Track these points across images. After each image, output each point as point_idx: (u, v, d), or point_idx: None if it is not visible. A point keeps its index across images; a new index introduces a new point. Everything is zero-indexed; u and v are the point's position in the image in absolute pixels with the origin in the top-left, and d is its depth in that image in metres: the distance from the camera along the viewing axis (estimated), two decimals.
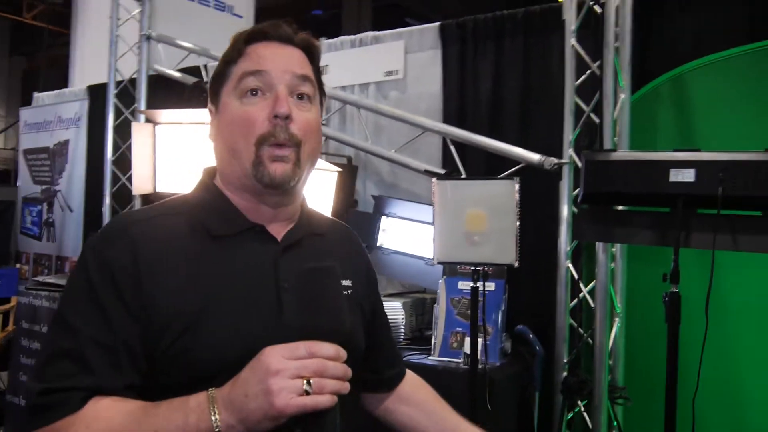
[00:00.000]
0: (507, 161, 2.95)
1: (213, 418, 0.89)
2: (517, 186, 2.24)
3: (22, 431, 0.96)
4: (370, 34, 3.67)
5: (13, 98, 17.32)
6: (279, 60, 1.08)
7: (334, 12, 13.52)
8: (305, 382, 0.86)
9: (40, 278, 4.38)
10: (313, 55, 1.14)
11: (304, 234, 1.15)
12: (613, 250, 2.70)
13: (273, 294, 1.06)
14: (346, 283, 1.17)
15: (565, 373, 2.74)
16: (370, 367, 1.30)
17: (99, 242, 1.04)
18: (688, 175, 2.00)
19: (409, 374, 1.43)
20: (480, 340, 2.33)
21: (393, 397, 1.37)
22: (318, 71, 1.15)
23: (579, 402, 2.73)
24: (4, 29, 17.02)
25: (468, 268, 2.67)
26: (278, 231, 1.12)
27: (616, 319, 2.71)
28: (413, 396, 1.38)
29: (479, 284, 2.30)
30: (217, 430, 0.88)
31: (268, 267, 1.08)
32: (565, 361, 2.76)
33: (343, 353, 0.90)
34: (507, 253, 2.25)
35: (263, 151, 1.04)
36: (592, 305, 2.69)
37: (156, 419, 0.92)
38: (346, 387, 0.90)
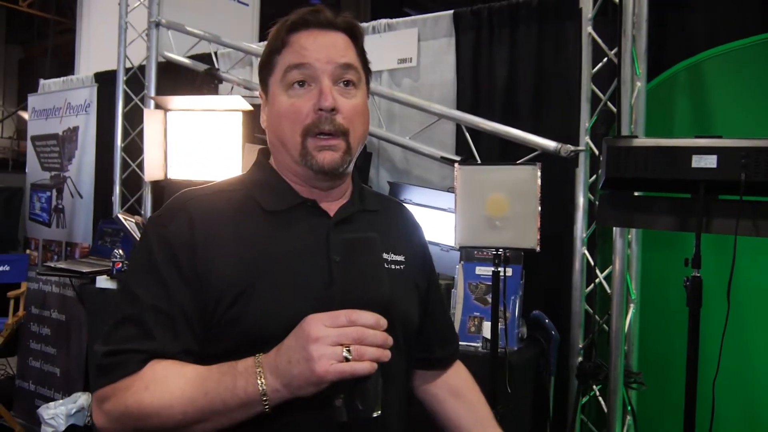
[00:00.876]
0: (521, 148, 2.96)
1: (259, 382, 0.93)
2: (539, 171, 2.26)
3: (92, 390, 1.08)
4: (383, 21, 3.67)
5: (10, 87, 17.24)
6: (322, 50, 1.10)
7: (332, 1, 13.49)
8: (345, 349, 0.89)
9: (51, 264, 4.39)
10: (356, 37, 1.16)
11: (355, 210, 1.19)
12: (629, 236, 2.73)
13: (324, 267, 1.10)
14: (399, 258, 1.22)
15: (580, 358, 2.78)
16: (422, 343, 1.32)
17: (160, 217, 1.11)
18: (710, 161, 2.02)
19: (463, 369, 1.45)
20: (499, 325, 2.36)
21: (445, 387, 1.38)
22: (363, 52, 1.18)
23: (594, 386, 2.76)
24: None
25: (485, 253, 2.70)
26: (330, 207, 1.17)
27: (632, 305, 2.75)
28: (466, 394, 1.39)
29: (500, 269, 2.32)
30: (262, 393, 0.93)
31: (320, 240, 1.12)
32: (580, 346, 2.79)
33: (383, 321, 0.93)
34: (528, 238, 2.28)
35: (308, 142, 1.09)
36: (608, 291, 2.72)
37: (207, 382, 0.97)
38: (386, 354, 0.92)
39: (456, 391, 1.38)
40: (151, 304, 1.03)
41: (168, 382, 0.99)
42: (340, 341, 0.89)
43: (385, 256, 1.19)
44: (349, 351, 0.89)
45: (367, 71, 1.19)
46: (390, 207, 1.32)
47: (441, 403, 1.37)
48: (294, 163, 1.13)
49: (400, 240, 1.26)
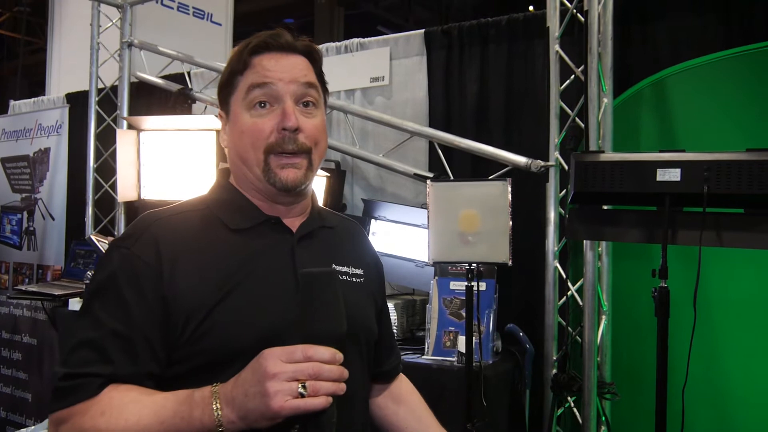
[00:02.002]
0: (492, 164, 3.02)
1: (216, 413, 0.94)
2: (509, 187, 2.30)
3: (49, 412, 1.03)
4: (356, 40, 3.72)
5: None
6: (284, 70, 1.13)
7: (306, 20, 13.55)
8: (300, 385, 0.90)
9: (22, 287, 4.33)
10: (315, 60, 1.20)
11: (316, 226, 1.22)
12: (599, 249, 2.78)
13: (291, 282, 1.12)
14: (358, 271, 1.27)
15: (554, 370, 2.81)
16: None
17: (124, 239, 1.11)
18: (674, 175, 2.07)
19: (404, 378, 1.47)
20: (474, 339, 2.38)
21: (386, 394, 1.41)
22: (321, 73, 1.22)
23: (569, 398, 2.80)
24: None
25: (459, 268, 2.73)
26: (292, 224, 1.19)
27: (603, 317, 2.79)
28: (407, 398, 1.42)
29: (473, 283, 2.35)
30: (218, 424, 0.94)
31: (286, 256, 1.15)
32: (554, 358, 2.83)
33: (339, 356, 0.94)
34: (500, 252, 2.31)
35: (271, 160, 1.11)
36: (580, 303, 2.76)
37: (164, 411, 0.97)
38: (341, 388, 0.93)
39: (397, 396, 1.41)
40: (111, 328, 1.02)
41: (124, 409, 0.99)
42: (296, 377, 0.90)
43: (345, 269, 1.23)
44: (304, 387, 0.90)
45: (325, 92, 1.23)
46: (345, 223, 1.35)
47: (382, 410, 1.39)
48: (256, 180, 1.14)
49: (357, 255, 1.30)
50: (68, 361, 1.03)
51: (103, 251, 3.70)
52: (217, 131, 3.53)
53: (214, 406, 0.94)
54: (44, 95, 5.66)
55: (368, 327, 1.24)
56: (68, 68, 5.60)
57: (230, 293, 1.07)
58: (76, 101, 4.85)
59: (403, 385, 1.45)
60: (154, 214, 1.14)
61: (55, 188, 4.87)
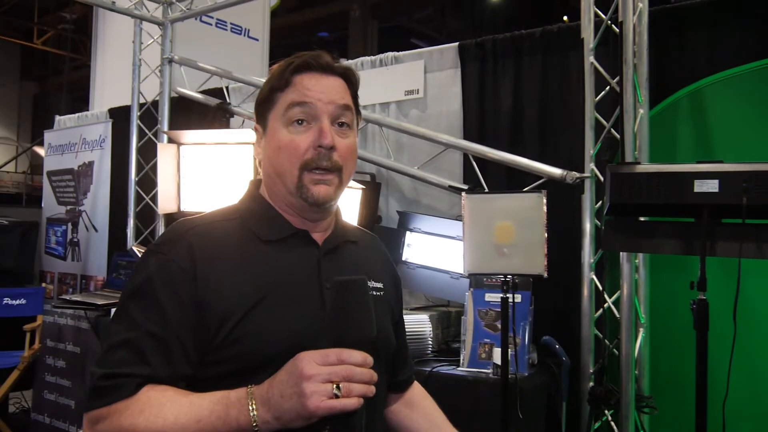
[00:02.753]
0: (527, 176, 3.02)
1: (251, 413, 0.98)
2: (544, 199, 2.31)
3: (85, 410, 1.07)
4: (390, 54, 3.76)
5: (24, 123, 17.55)
6: (323, 91, 1.18)
7: (340, 34, 13.73)
8: (335, 386, 0.95)
9: (66, 297, 4.45)
10: (352, 83, 1.25)
11: (340, 241, 1.27)
12: (636, 261, 2.76)
13: (317, 292, 1.18)
14: (378, 285, 1.32)
15: (591, 383, 2.79)
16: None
17: (160, 245, 1.15)
18: (712, 186, 2.06)
19: (417, 384, 1.53)
20: (509, 351, 2.38)
21: (401, 402, 1.46)
22: (356, 96, 1.27)
23: (606, 411, 2.77)
24: (14, 55, 17.32)
25: (494, 280, 2.74)
26: (318, 237, 1.24)
27: (641, 329, 2.76)
28: (419, 403, 1.48)
29: (509, 295, 2.35)
30: (254, 424, 0.98)
31: (312, 268, 1.20)
32: (591, 371, 2.80)
33: (369, 360, 0.99)
34: (536, 264, 2.31)
35: (305, 176, 1.16)
36: (617, 316, 2.74)
37: (200, 410, 1.01)
38: (371, 390, 0.98)
39: (410, 402, 1.46)
40: (148, 330, 1.06)
41: (162, 408, 1.02)
42: (330, 378, 0.95)
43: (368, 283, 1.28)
44: (338, 388, 0.95)
45: (358, 114, 1.27)
46: (366, 238, 1.39)
47: (396, 415, 1.44)
48: (288, 194, 1.18)
49: (378, 269, 1.36)
50: (106, 362, 1.06)
51: None
52: (254, 144, 3.60)
53: (250, 406, 0.98)
54: (87, 110, 5.84)
55: (387, 339, 1.29)
56: (111, 84, 5.76)
57: (261, 302, 1.11)
58: (119, 116, 4.98)
59: (416, 391, 1.50)
60: (190, 222, 1.18)
61: (98, 200, 5.01)
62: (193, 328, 1.08)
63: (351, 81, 1.24)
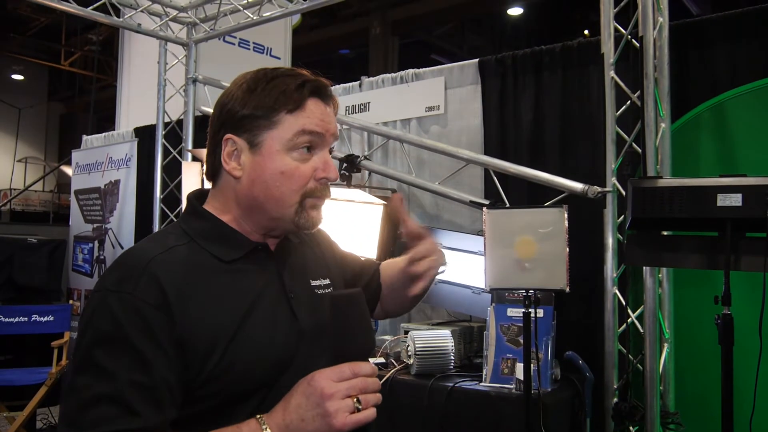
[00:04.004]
0: (548, 190, 3.02)
1: None
2: (565, 213, 2.31)
3: None
4: (411, 71, 3.79)
5: (51, 142, 17.89)
6: (331, 122, 1.17)
7: (361, 51, 13.83)
8: (355, 399, 0.97)
9: None
10: (335, 112, 1.23)
11: (289, 245, 1.25)
12: (660, 275, 2.74)
13: (286, 306, 1.16)
14: (326, 281, 1.30)
15: (615, 399, 2.76)
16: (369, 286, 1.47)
17: (121, 283, 1.03)
18: (735, 200, 2.04)
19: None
20: (532, 366, 2.38)
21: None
22: None
23: (630, 428, 2.74)
24: (42, 76, 17.70)
25: (516, 294, 2.74)
26: (272, 246, 1.22)
27: (666, 345, 2.74)
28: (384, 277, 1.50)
29: (531, 310, 2.35)
30: None
31: (277, 282, 1.17)
32: (615, 386, 2.78)
33: (375, 369, 1.01)
34: (558, 279, 2.32)
35: (306, 202, 1.14)
36: (641, 331, 2.72)
37: None
38: (380, 398, 1.01)
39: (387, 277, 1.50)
40: (130, 380, 0.96)
41: None
42: (349, 393, 0.96)
43: (317, 282, 1.27)
44: (359, 401, 0.96)
45: None
46: (306, 234, 1.33)
47: (384, 300, 1.51)
48: (279, 219, 1.14)
49: (322, 263, 1.34)
50: (83, 421, 0.94)
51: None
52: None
53: None
54: (112, 129, 5.95)
55: None
56: (136, 104, 5.88)
57: (239, 329, 1.06)
58: (144, 135, 5.08)
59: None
60: (143, 253, 1.08)
61: (124, 218, 5.10)
62: (175, 369, 1.00)
63: (336, 110, 1.22)
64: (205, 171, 1.22)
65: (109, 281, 1.04)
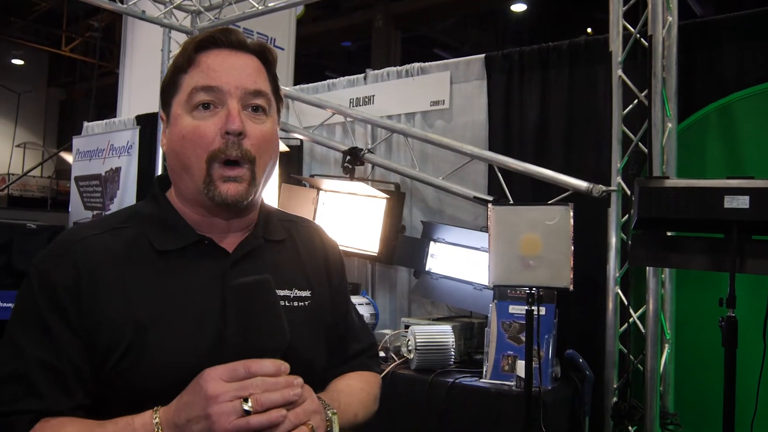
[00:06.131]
0: (552, 188, 3.01)
1: None
2: (571, 212, 2.30)
3: None
4: (417, 65, 3.78)
5: (50, 128, 17.83)
6: (231, 73, 1.03)
7: (363, 43, 13.79)
8: (243, 401, 0.86)
9: None
10: (268, 62, 1.10)
11: (258, 244, 1.11)
12: (662, 276, 2.74)
13: (218, 313, 1.02)
14: (304, 293, 1.14)
15: (615, 399, 2.77)
16: (339, 348, 1.24)
17: (43, 260, 1.01)
18: (742, 202, 2.04)
19: (369, 373, 1.30)
20: (533, 363, 2.37)
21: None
22: (275, 78, 1.11)
23: (630, 428, 2.74)
24: (42, 62, 17.62)
25: (518, 292, 2.73)
26: (232, 242, 1.09)
27: (666, 345, 2.74)
28: (350, 376, 1.25)
29: (534, 307, 2.35)
30: None
31: (215, 282, 1.04)
32: (615, 386, 2.78)
33: (285, 366, 0.90)
34: (562, 277, 2.31)
35: (214, 170, 1.00)
36: (643, 331, 2.72)
37: None
38: (296, 393, 0.89)
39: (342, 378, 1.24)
40: (38, 358, 0.94)
41: None
42: (239, 395, 0.86)
43: (288, 293, 1.11)
44: (247, 401, 0.86)
45: (278, 99, 1.12)
46: (299, 233, 1.21)
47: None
48: (196, 191, 1.03)
49: (306, 271, 1.18)
50: None
51: None
52: (281, 152, 3.63)
53: (156, 431, 0.89)
54: (112, 116, 5.93)
55: (308, 359, 1.08)
56: (138, 91, 5.85)
57: (151, 328, 0.98)
58: (146, 123, 5.06)
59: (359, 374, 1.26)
60: (79, 232, 1.04)
61: (124, 206, 5.05)
62: (86, 353, 0.96)
63: (268, 60, 1.09)
64: None
65: (38, 258, 1.02)
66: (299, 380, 0.91)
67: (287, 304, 1.10)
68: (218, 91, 1.01)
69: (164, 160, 1.15)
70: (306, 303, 1.13)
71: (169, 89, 1.06)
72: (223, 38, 1.05)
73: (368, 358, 1.31)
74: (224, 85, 1.01)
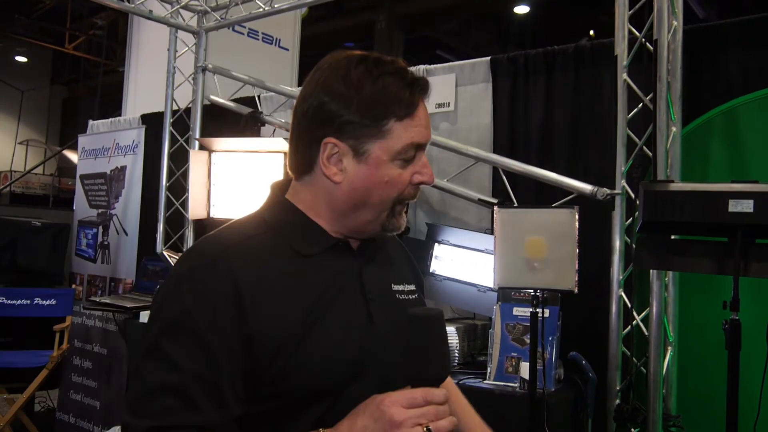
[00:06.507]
0: (556, 191, 3.02)
1: None
2: (576, 215, 2.32)
3: None
4: (422, 67, 3.79)
5: (53, 126, 17.85)
6: (429, 125, 1.11)
7: (366, 44, 13.80)
8: (425, 429, 0.91)
9: (95, 299, 4.53)
10: None
11: (372, 245, 1.19)
12: (666, 279, 2.76)
13: (363, 307, 1.11)
14: (411, 287, 1.25)
15: (618, 401, 2.78)
16: None
17: (194, 271, 1.01)
18: (747, 206, 2.05)
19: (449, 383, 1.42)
20: (537, 365, 2.39)
21: None
22: None
23: (632, 429, 2.76)
24: (46, 59, 17.64)
25: (522, 294, 2.75)
26: (353, 244, 1.16)
27: (669, 348, 2.75)
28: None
29: (538, 310, 2.37)
30: None
31: (355, 281, 1.12)
32: (617, 388, 2.80)
33: (448, 396, 0.95)
34: (566, 280, 2.33)
35: (397, 207, 1.10)
36: (645, 333, 2.73)
37: None
38: (454, 423, 0.94)
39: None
40: (193, 372, 0.95)
41: None
42: (419, 422, 0.90)
43: (402, 287, 1.21)
44: (429, 430, 0.91)
45: None
46: (388, 239, 1.28)
47: None
48: (367, 222, 1.10)
49: (406, 270, 1.29)
50: (146, 410, 0.94)
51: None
52: (286, 153, 3.64)
53: None
54: (116, 115, 5.95)
55: None
56: (144, 90, 5.86)
57: (313, 326, 1.02)
58: (152, 122, 5.07)
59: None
60: (221, 240, 1.06)
61: (129, 205, 5.10)
62: (242, 365, 0.98)
63: None
64: (290, 163, 1.15)
65: (184, 267, 1.03)
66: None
67: (401, 297, 1.20)
68: (424, 145, 1.10)
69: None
70: (414, 296, 1.23)
71: (369, 130, 1.05)
72: (428, 90, 1.10)
73: None
74: (428, 142, 1.10)
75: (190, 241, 4.38)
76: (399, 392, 0.93)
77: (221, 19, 4.50)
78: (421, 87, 1.08)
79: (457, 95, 3.65)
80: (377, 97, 1.05)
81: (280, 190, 1.17)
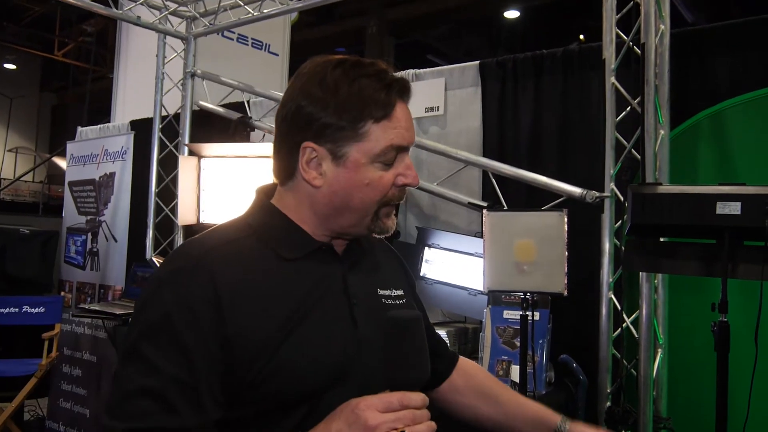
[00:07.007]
0: (546, 194, 3.03)
1: None
2: (566, 218, 2.32)
3: None
4: (412, 71, 3.80)
5: (42, 133, 17.79)
6: (411, 129, 1.10)
7: (356, 49, 13.82)
8: None
9: (84, 306, 4.49)
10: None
11: (358, 251, 1.19)
12: (656, 281, 2.76)
13: (346, 311, 1.10)
14: (399, 292, 1.24)
15: (608, 403, 2.78)
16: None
17: (175, 275, 1.01)
18: (734, 208, 2.06)
19: (462, 362, 1.42)
20: (528, 368, 2.39)
21: (447, 388, 1.37)
22: None
23: None
24: (35, 66, 17.58)
25: (513, 297, 2.75)
26: (339, 245, 1.16)
27: (659, 350, 2.76)
28: (468, 383, 1.37)
29: (528, 313, 2.37)
30: None
31: (339, 285, 1.12)
32: (608, 391, 2.80)
33: (426, 400, 0.95)
34: (556, 282, 2.33)
35: (382, 210, 1.09)
36: (636, 335, 2.74)
37: None
38: (433, 427, 0.93)
39: (458, 388, 1.36)
40: (172, 375, 0.94)
41: None
42: (394, 426, 0.90)
43: (388, 292, 1.21)
44: None
45: None
46: (376, 243, 1.28)
47: (450, 404, 1.37)
48: (352, 225, 1.10)
49: (395, 274, 1.28)
50: (125, 413, 0.94)
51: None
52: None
53: None
54: (105, 121, 5.92)
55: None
56: (133, 96, 5.84)
57: (294, 330, 1.02)
58: (140, 128, 5.05)
59: (460, 372, 1.38)
60: (203, 243, 1.06)
61: (118, 211, 5.07)
62: (220, 367, 0.98)
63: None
64: (273, 168, 1.15)
65: (166, 270, 1.03)
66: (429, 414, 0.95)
67: (387, 302, 1.19)
68: (406, 147, 1.08)
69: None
70: (402, 301, 1.22)
71: (347, 132, 1.04)
72: (409, 90, 1.09)
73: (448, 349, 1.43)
74: (409, 144, 1.08)
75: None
76: (375, 396, 0.93)
77: (210, 24, 4.49)
78: (399, 88, 1.07)
79: (446, 99, 3.66)
80: (353, 99, 1.04)
81: (265, 194, 1.17)
